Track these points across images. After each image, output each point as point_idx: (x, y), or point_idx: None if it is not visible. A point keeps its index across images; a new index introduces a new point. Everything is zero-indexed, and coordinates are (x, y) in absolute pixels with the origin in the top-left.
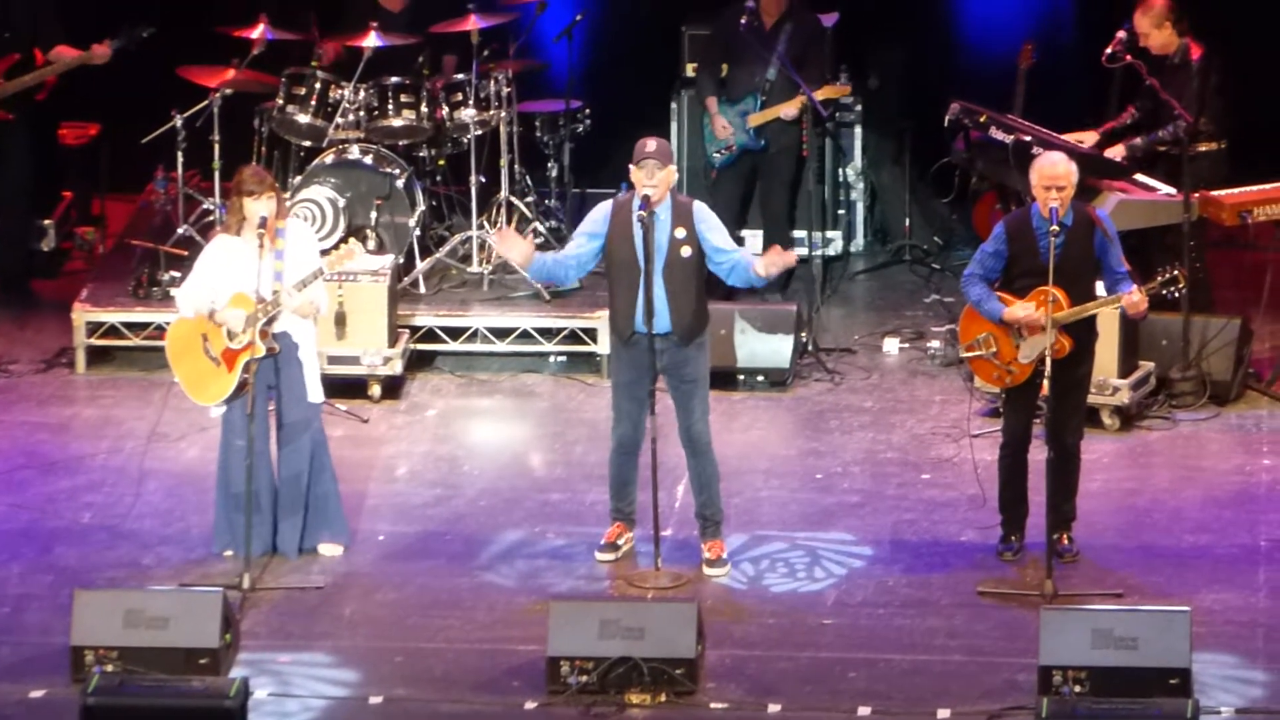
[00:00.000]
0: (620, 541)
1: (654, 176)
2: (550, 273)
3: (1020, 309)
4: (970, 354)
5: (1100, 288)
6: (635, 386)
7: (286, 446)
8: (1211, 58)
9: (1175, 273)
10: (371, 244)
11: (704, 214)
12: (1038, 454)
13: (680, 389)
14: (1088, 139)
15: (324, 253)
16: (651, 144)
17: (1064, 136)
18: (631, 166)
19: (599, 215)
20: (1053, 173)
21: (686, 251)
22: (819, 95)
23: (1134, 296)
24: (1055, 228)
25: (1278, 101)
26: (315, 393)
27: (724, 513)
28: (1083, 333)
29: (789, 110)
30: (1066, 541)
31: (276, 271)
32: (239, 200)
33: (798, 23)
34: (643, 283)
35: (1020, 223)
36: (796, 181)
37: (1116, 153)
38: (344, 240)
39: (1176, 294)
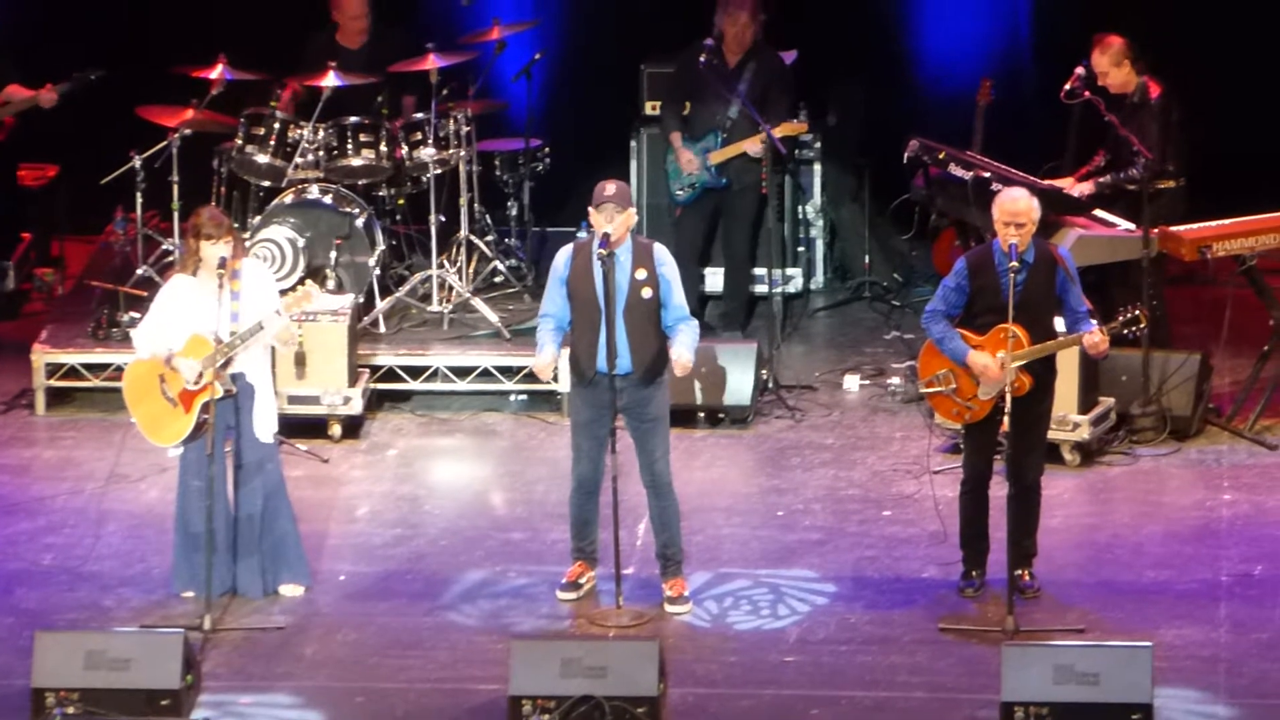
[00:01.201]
0: (582, 580)
1: (613, 220)
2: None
3: (981, 358)
4: (930, 390)
5: (1061, 324)
6: (595, 425)
7: (244, 487)
8: (1170, 95)
9: (1136, 312)
10: (331, 284)
11: (665, 257)
12: (998, 490)
13: (641, 428)
14: (1063, 185)
15: (282, 293)
16: (610, 187)
17: (1039, 180)
18: (591, 209)
19: (560, 260)
20: (1013, 208)
21: (647, 293)
22: (777, 133)
23: (1095, 336)
24: (1015, 264)
25: (1236, 138)
26: (267, 432)
27: (685, 551)
28: (1043, 370)
29: (752, 147)
30: (1028, 578)
31: (234, 312)
32: (195, 243)
33: (761, 61)
34: (604, 323)
35: (982, 259)
36: (759, 220)
37: (1085, 190)
38: (302, 281)
39: (1137, 333)
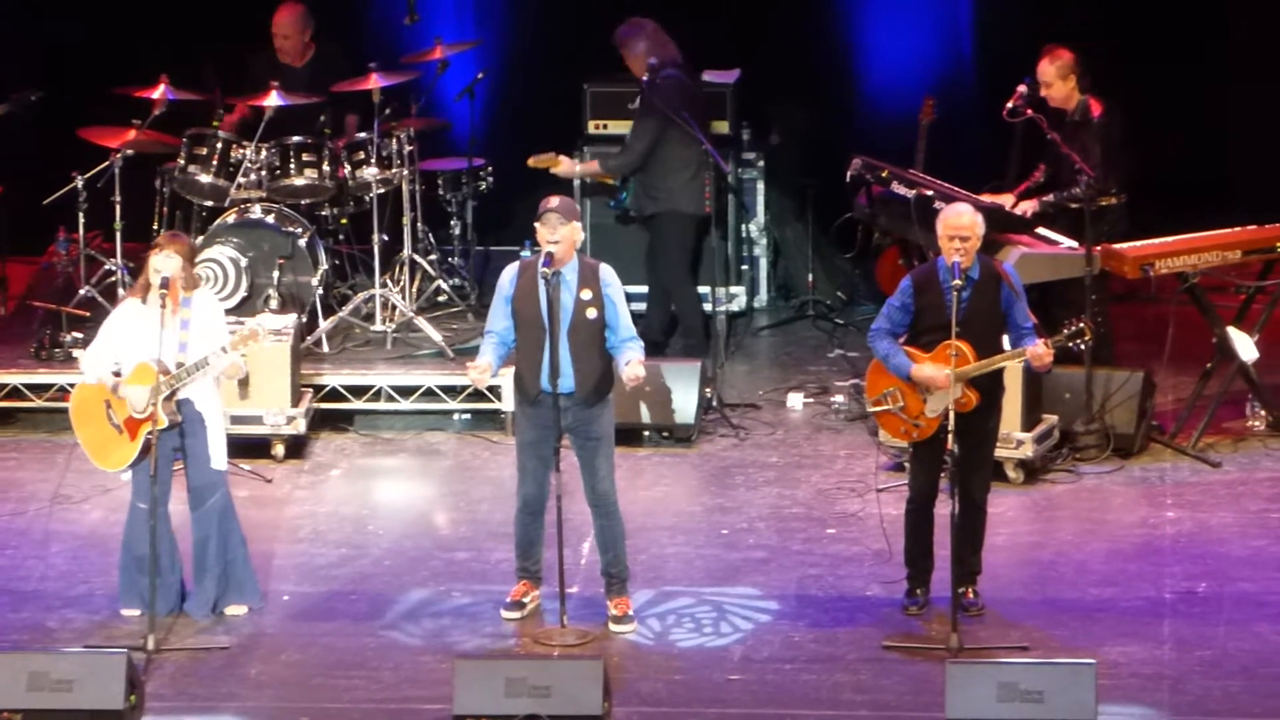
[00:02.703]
0: (526, 599)
1: (556, 231)
2: (507, 355)
3: (928, 368)
4: (877, 409)
5: (1007, 341)
6: (540, 445)
7: (195, 510)
8: (1113, 113)
9: (1081, 325)
10: (274, 303)
11: (611, 278)
12: (943, 508)
13: (585, 447)
14: (1005, 202)
15: (237, 310)
16: (554, 200)
17: (981, 198)
18: (536, 223)
19: (506, 278)
20: (957, 223)
21: (592, 313)
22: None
23: (1039, 349)
24: (959, 281)
25: (1177, 155)
26: (219, 460)
27: (630, 570)
28: (990, 387)
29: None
30: (972, 595)
31: (181, 342)
32: (146, 257)
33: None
34: (548, 343)
35: (927, 276)
36: (666, 246)
37: (1029, 208)
38: (255, 300)
39: (1083, 346)
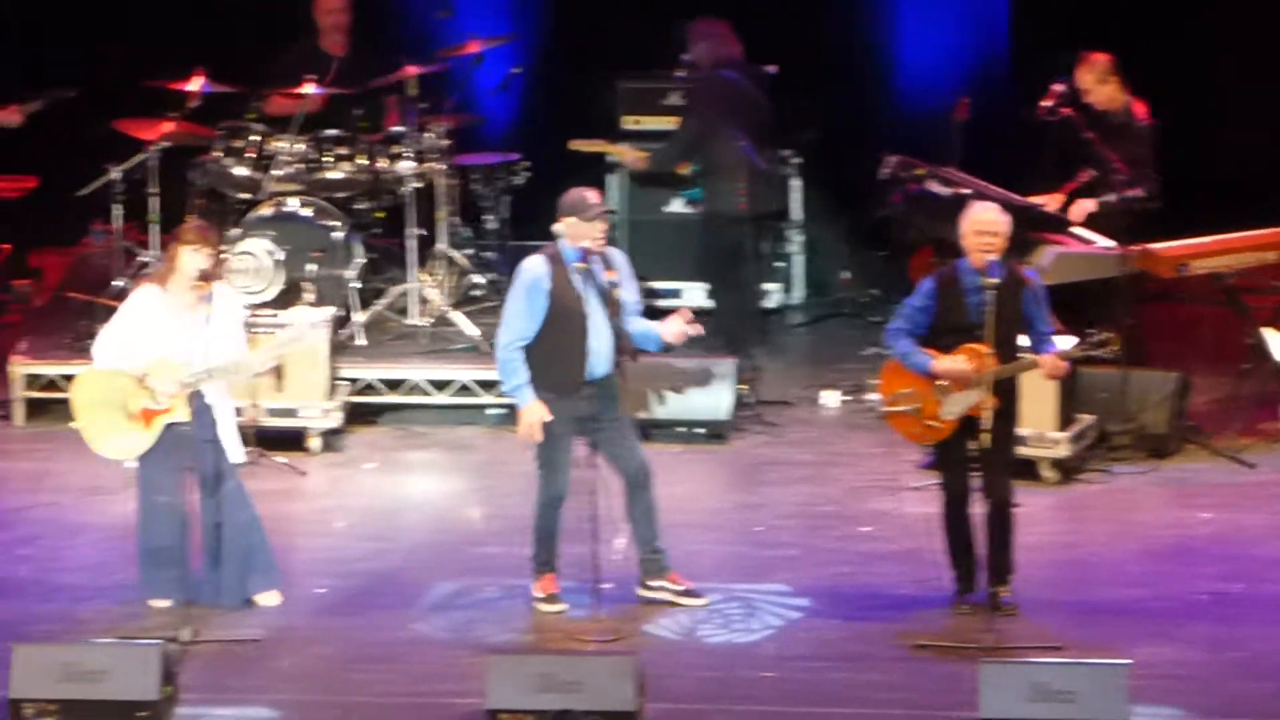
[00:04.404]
0: (558, 592)
1: (601, 230)
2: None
3: (950, 362)
4: (893, 409)
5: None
6: (569, 438)
7: (210, 499)
8: (1155, 116)
9: (1106, 335)
10: (309, 297)
11: (622, 260)
12: (979, 508)
13: (614, 426)
14: (1053, 202)
15: (272, 303)
16: (598, 195)
17: (1030, 199)
18: (574, 218)
19: (539, 272)
20: (985, 220)
21: (620, 294)
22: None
23: (1053, 362)
24: (995, 279)
25: (1216, 156)
26: (236, 452)
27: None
28: (1006, 390)
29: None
30: (1007, 594)
31: (204, 336)
32: (175, 250)
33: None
34: (588, 331)
35: (948, 278)
36: (705, 242)
37: (1087, 208)
38: (291, 292)
39: (1107, 356)
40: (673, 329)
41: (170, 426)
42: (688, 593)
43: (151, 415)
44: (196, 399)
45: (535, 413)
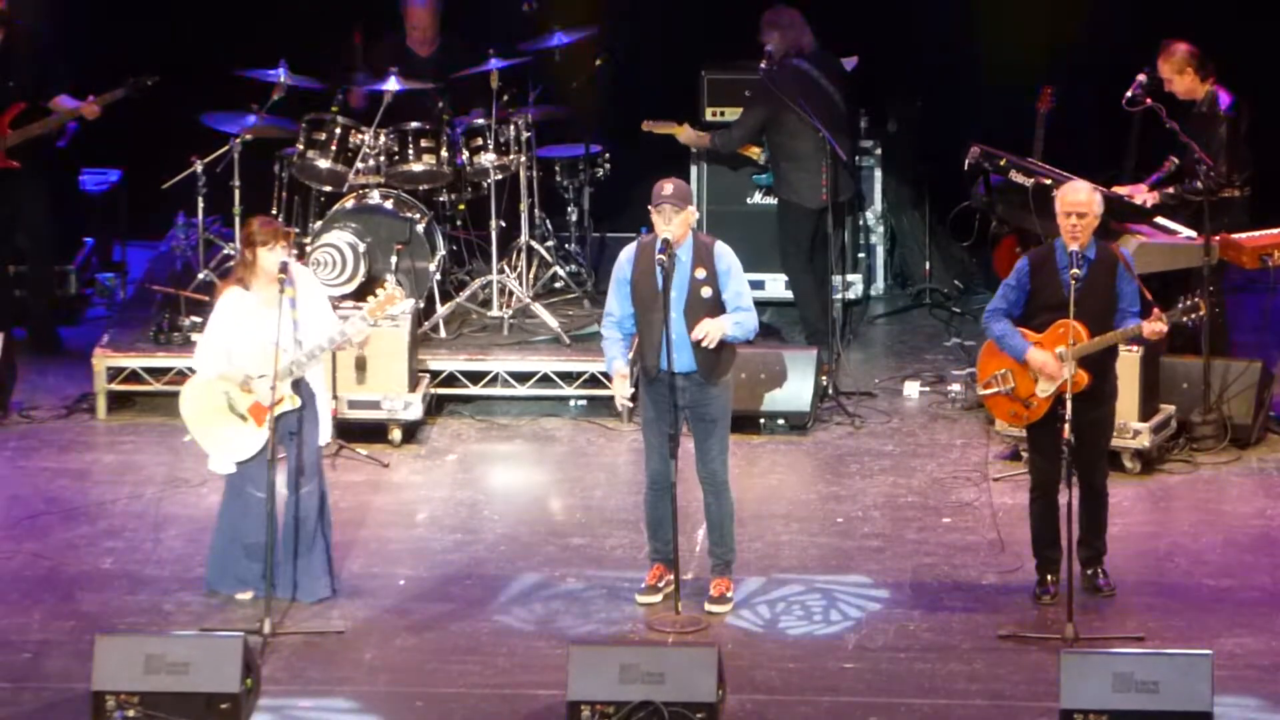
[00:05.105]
0: (660, 584)
1: (671, 220)
2: (631, 344)
3: (1040, 354)
4: (988, 391)
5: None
6: (661, 422)
7: (300, 491)
8: (1241, 105)
9: (1196, 299)
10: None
11: (724, 254)
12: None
13: (700, 427)
14: (1138, 193)
15: (354, 295)
16: (669, 186)
17: (1116, 190)
18: (650, 209)
19: (623, 259)
20: (1075, 199)
21: (707, 292)
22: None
23: (1154, 323)
24: (1077, 270)
25: None
26: (325, 433)
27: (736, 553)
28: (1100, 370)
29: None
30: (1103, 576)
31: (294, 321)
32: (252, 253)
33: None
34: (665, 323)
35: (1043, 257)
36: (785, 234)
37: (1150, 199)
38: (379, 283)
39: (1197, 321)
40: (698, 330)
41: (280, 418)
42: (716, 599)
43: (262, 411)
44: (302, 386)
45: (613, 383)
